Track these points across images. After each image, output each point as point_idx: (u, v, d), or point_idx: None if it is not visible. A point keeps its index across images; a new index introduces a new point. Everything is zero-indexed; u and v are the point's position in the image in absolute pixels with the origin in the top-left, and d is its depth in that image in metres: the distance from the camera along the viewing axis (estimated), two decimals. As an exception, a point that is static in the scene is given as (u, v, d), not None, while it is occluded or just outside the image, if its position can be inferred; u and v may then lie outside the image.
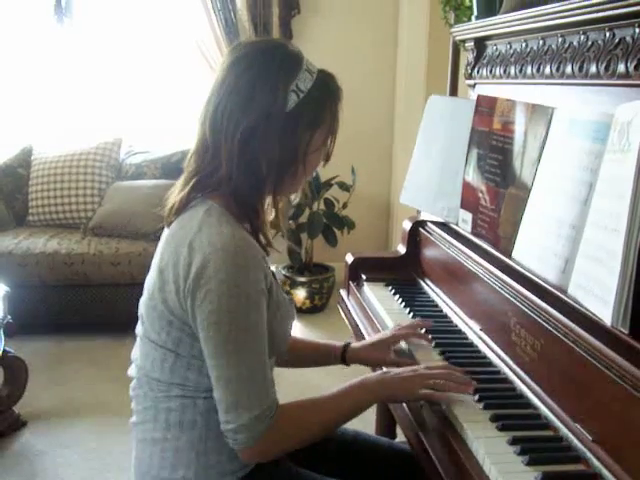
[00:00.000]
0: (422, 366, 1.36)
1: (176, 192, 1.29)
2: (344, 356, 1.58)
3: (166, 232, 1.31)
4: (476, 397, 1.29)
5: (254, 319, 1.17)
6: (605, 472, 1.04)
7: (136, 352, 1.35)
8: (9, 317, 2.77)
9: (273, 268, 1.44)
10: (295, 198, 1.47)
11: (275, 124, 1.20)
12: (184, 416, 1.26)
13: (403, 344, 1.59)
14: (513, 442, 1.15)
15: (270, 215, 1.35)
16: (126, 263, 3.66)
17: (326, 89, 1.27)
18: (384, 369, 1.47)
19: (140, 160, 4.20)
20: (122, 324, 3.59)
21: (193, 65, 4.30)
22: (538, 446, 1.14)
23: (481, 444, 1.15)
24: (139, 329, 1.33)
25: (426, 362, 1.46)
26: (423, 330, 1.61)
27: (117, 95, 4.43)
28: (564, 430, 1.16)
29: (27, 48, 4.26)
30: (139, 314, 1.33)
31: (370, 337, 1.68)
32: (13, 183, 4.10)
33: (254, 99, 1.20)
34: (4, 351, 2.71)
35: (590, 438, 1.09)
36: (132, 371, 1.36)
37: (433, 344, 1.57)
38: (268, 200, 1.33)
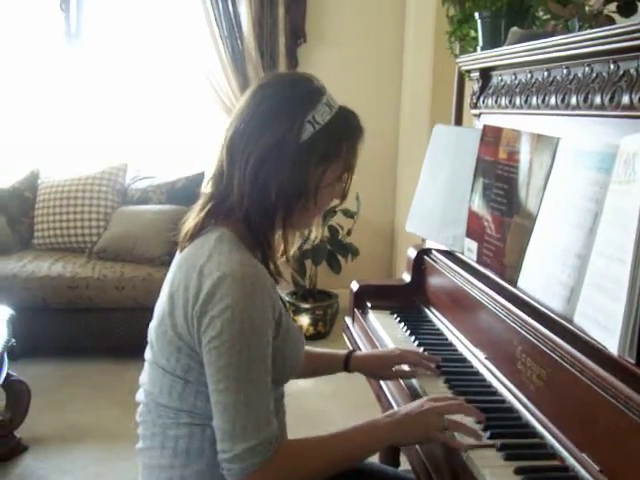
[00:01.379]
0: (427, 399, 1.32)
1: (192, 217, 1.30)
2: (347, 364, 1.59)
3: (178, 257, 1.31)
4: (481, 426, 1.29)
5: (257, 347, 1.16)
6: (612, 503, 1.04)
7: (144, 377, 1.34)
8: (13, 340, 2.77)
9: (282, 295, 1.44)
10: (315, 236, 1.45)
11: (287, 153, 1.21)
12: (192, 444, 1.25)
13: (406, 367, 1.58)
14: (519, 472, 1.14)
15: (280, 245, 1.35)
16: (130, 287, 3.66)
17: (343, 124, 1.27)
18: (393, 404, 1.46)
19: (145, 185, 4.23)
20: (126, 348, 3.60)
21: (200, 92, 4.34)
22: (544, 476, 1.15)
23: (487, 473, 1.14)
24: (148, 354, 1.33)
25: (431, 392, 1.46)
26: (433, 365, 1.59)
27: (124, 120, 4.47)
28: (571, 460, 1.16)
29: (36, 72, 4.30)
30: (149, 339, 1.32)
31: (375, 350, 1.70)
32: (19, 206, 4.12)
33: (270, 126, 1.21)
34: (7, 374, 2.70)
35: (597, 468, 1.09)
36: (140, 396, 1.35)
37: (434, 366, 1.57)
38: (280, 231, 1.31)
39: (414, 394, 1.53)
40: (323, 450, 1.25)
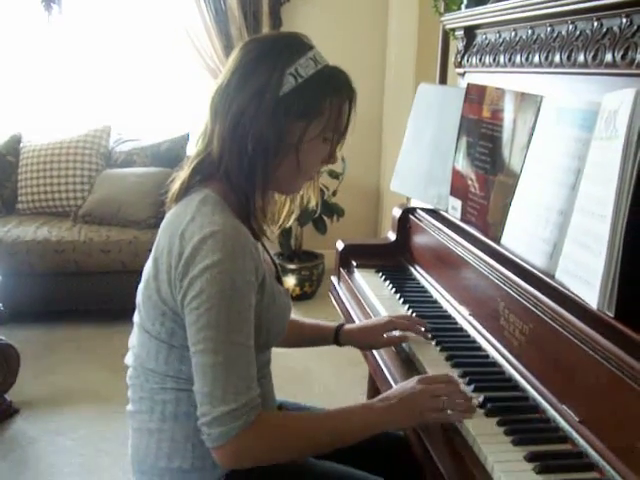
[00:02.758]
0: (418, 380, 1.27)
1: (179, 176, 1.29)
2: (337, 337, 1.59)
3: (165, 219, 1.29)
4: (466, 380, 1.32)
5: (237, 309, 1.14)
6: (590, 451, 1.07)
7: (133, 340, 1.34)
8: (1, 305, 2.78)
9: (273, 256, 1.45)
10: (316, 202, 1.42)
11: (266, 105, 1.18)
12: (179, 408, 1.25)
13: (395, 333, 1.58)
14: (502, 424, 1.18)
15: (269, 209, 1.32)
16: (117, 251, 3.66)
17: (329, 81, 1.23)
18: (386, 372, 1.46)
19: (130, 148, 4.20)
20: (113, 312, 3.63)
21: (183, 53, 4.29)
22: (526, 427, 1.17)
23: (471, 426, 1.18)
24: (136, 317, 1.32)
25: (422, 355, 1.48)
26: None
27: (106, 83, 4.41)
28: (551, 411, 1.19)
29: (16, 36, 4.24)
30: (136, 302, 1.31)
31: (365, 321, 1.69)
32: (1, 171, 4.09)
33: (250, 78, 1.20)
34: (-4, 339, 2.72)
35: (576, 419, 1.12)
36: (129, 359, 1.35)
37: (423, 329, 1.58)
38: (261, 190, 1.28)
39: (399, 349, 1.57)
40: (309, 426, 1.23)
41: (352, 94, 1.27)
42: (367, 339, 1.58)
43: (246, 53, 1.24)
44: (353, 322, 1.81)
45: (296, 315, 1.53)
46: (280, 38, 1.28)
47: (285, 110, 1.19)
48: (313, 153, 1.27)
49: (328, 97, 1.22)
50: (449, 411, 1.22)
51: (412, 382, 1.27)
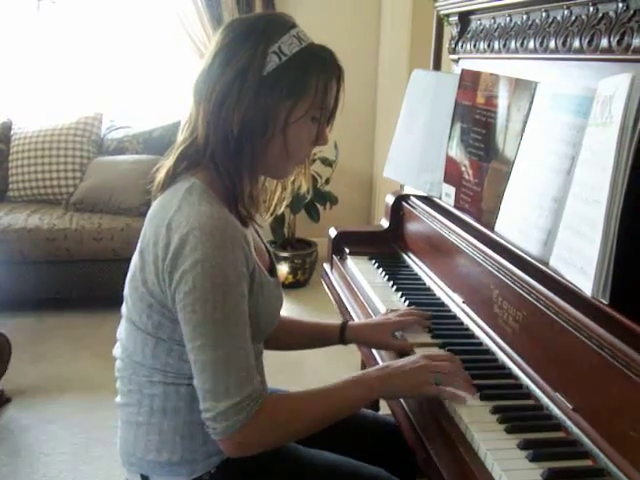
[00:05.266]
0: (422, 356, 1.29)
1: (164, 165, 1.26)
2: (342, 335, 1.53)
3: (151, 208, 1.27)
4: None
5: (232, 301, 1.13)
6: (584, 439, 1.06)
7: (121, 332, 1.32)
8: (-9, 293, 2.77)
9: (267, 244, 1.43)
10: (308, 188, 1.40)
11: (250, 85, 1.15)
12: (167, 403, 1.24)
13: (399, 333, 1.53)
14: (495, 411, 1.17)
15: (256, 191, 1.29)
16: (108, 238, 3.64)
17: (314, 59, 1.20)
18: (381, 363, 1.44)
19: (121, 135, 4.18)
20: (104, 299, 3.62)
21: (175, 39, 4.26)
22: (519, 415, 1.17)
23: (464, 414, 1.17)
24: (124, 309, 1.30)
25: (413, 339, 1.48)
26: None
27: (97, 70, 4.38)
28: (545, 399, 1.19)
29: (7, 22, 4.19)
30: (124, 294, 1.29)
31: (370, 318, 1.63)
32: (-8, 158, 4.06)
33: (232, 59, 1.17)
34: (-14, 327, 2.70)
35: (570, 406, 1.12)
36: (117, 351, 1.33)
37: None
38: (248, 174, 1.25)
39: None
40: (310, 404, 1.23)
41: (339, 71, 1.24)
42: (373, 338, 1.52)
43: (227, 34, 1.21)
44: (346, 309, 1.81)
45: (289, 303, 1.52)
46: (262, 17, 1.25)
47: (270, 90, 1.16)
48: (301, 134, 1.23)
49: (313, 75, 1.19)
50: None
51: (416, 356, 1.29)
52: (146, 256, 1.19)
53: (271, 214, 1.41)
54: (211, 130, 1.18)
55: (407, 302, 1.66)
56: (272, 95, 1.17)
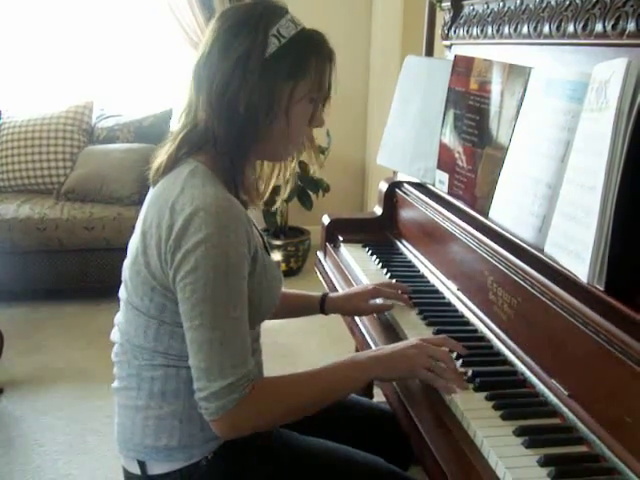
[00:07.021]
0: (418, 339, 1.30)
1: (163, 151, 1.26)
2: (323, 306, 1.60)
3: (151, 193, 1.28)
4: (454, 355, 1.31)
5: (232, 283, 1.14)
6: (580, 425, 1.06)
7: (119, 317, 1.32)
8: (-17, 283, 2.75)
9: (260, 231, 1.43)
10: (293, 167, 1.44)
11: (253, 67, 1.17)
12: (167, 386, 1.24)
13: (379, 300, 1.59)
14: (491, 398, 1.17)
15: (255, 175, 1.32)
16: (100, 228, 3.62)
17: (310, 41, 1.23)
18: (373, 347, 1.45)
19: (112, 124, 4.15)
20: (98, 289, 3.61)
21: (165, 28, 4.22)
22: (515, 402, 1.17)
23: (459, 401, 1.17)
24: (123, 293, 1.30)
25: (405, 324, 1.48)
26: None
27: (88, 58, 4.33)
28: (540, 386, 1.19)
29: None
30: (123, 278, 1.29)
31: (349, 289, 1.70)
32: (-18, 147, 4.02)
33: (233, 45, 1.18)
34: (-22, 318, 2.69)
35: (566, 393, 1.12)
36: (115, 336, 1.33)
37: (411, 303, 1.58)
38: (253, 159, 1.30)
39: (387, 325, 1.55)
40: (303, 386, 1.24)
41: (332, 54, 1.27)
42: (351, 303, 1.59)
43: (225, 21, 1.23)
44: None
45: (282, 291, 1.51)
46: (256, 3, 1.26)
47: (273, 72, 1.19)
48: (301, 115, 1.26)
49: (312, 56, 1.22)
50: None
51: (413, 339, 1.30)
52: (148, 238, 1.19)
53: (284, 199, 1.42)
54: (215, 115, 1.20)
55: (401, 289, 1.65)
56: (275, 77, 1.19)
